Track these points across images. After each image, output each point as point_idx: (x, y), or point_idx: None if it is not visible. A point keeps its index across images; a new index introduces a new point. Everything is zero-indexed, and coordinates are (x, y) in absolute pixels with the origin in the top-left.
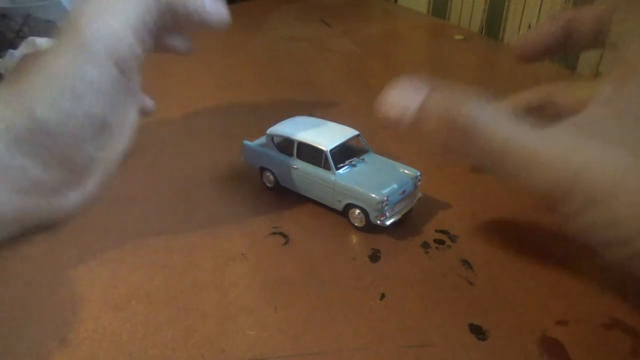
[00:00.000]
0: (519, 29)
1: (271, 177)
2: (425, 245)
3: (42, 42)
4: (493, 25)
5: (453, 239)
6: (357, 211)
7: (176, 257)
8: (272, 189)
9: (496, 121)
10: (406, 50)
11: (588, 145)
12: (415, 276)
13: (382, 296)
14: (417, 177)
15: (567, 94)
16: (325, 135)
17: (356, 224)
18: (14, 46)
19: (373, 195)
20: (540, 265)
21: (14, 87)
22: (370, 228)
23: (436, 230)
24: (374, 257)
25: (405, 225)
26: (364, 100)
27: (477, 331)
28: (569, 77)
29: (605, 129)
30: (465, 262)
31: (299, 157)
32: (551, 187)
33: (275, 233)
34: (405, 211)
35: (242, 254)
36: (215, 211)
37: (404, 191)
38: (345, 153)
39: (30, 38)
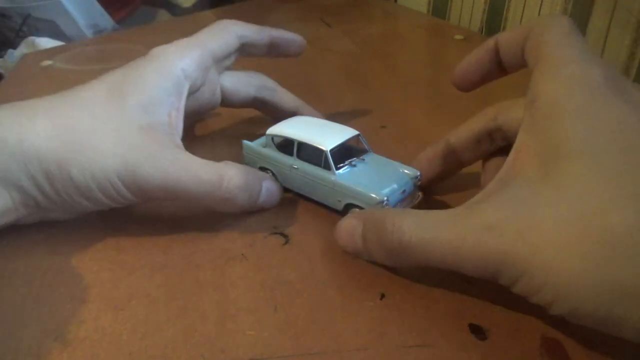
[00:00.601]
0: None
1: (271, 177)
2: None
3: (41, 42)
4: (493, 25)
5: None
6: (357, 211)
7: (176, 257)
8: None
9: (423, 226)
10: (406, 50)
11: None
12: (415, 276)
13: (382, 296)
14: (417, 177)
15: (510, 116)
16: (325, 135)
17: None
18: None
19: (373, 195)
20: None
21: None
22: None
23: None
24: None
25: None
26: (364, 100)
27: (477, 331)
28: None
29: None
30: None
31: (299, 157)
32: (480, 273)
33: (275, 233)
34: None
35: (242, 254)
36: (215, 211)
37: (403, 191)
38: (345, 153)
39: (30, 38)
